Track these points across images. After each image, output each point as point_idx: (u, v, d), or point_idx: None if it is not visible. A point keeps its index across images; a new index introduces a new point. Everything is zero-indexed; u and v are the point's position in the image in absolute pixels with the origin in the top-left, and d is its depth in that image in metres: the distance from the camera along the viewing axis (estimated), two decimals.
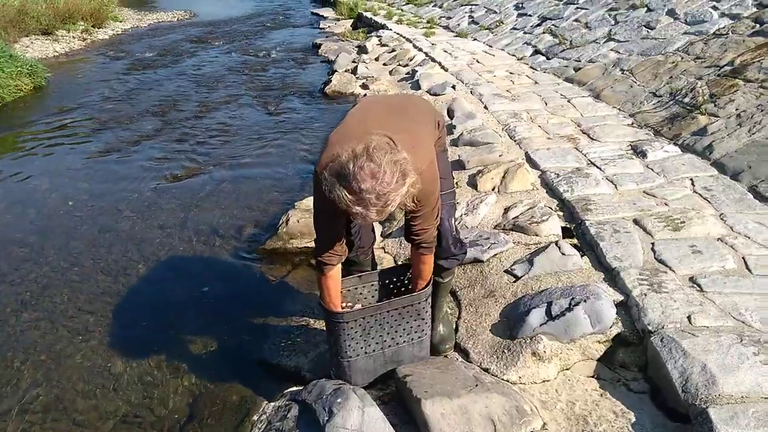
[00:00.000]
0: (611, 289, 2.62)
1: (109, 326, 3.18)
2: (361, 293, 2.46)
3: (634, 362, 2.36)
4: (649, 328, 2.33)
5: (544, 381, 2.34)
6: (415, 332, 2.38)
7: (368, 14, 13.09)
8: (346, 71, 8.40)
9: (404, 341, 2.39)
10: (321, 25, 14.34)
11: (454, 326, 2.74)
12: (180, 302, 3.36)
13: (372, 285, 2.48)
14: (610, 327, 2.44)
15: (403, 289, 2.50)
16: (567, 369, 2.39)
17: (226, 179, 5.08)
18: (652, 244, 2.93)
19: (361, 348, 2.32)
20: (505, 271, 2.98)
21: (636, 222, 3.16)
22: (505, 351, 2.47)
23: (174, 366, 2.85)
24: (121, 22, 16.64)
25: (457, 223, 2.62)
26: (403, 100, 2.59)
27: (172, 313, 3.27)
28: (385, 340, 2.35)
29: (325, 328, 2.42)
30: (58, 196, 4.91)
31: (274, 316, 3.14)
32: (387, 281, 2.49)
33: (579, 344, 2.43)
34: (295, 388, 2.46)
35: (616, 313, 2.47)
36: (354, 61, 8.96)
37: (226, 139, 6.18)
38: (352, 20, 13.97)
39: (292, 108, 7.32)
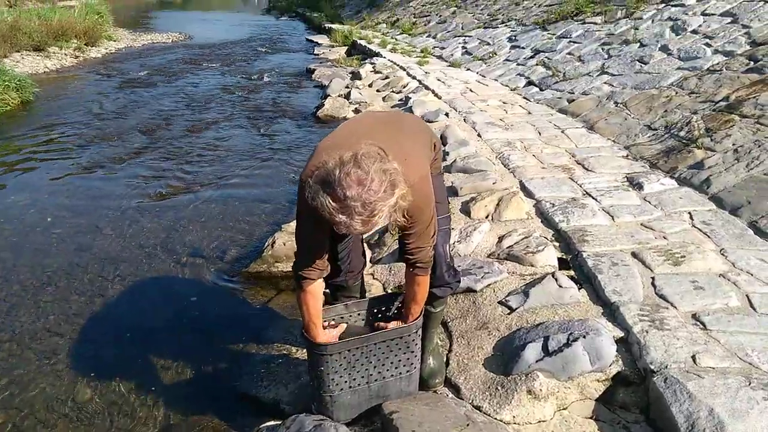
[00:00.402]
0: (610, 325, 2.49)
1: (79, 350, 3.00)
2: (346, 323, 2.31)
3: (635, 403, 2.22)
4: (652, 367, 2.20)
5: (539, 421, 2.19)
6: (404, 366, 2.24)
7: (363, 42, 13.16)
8: (339, 96, 8.36)
9: (392, 375, 2.24)
10: (315, 51, 14.40)
11: (444, 359, 2.59)
12: (156, 326, 3.19)
13: (359, 314, 2.34)
14: (610, 365, 2.30)
15: (391, 317, 2.36)
16: (564, 409, 2.24)
17: (212, 199, 4.94)
18: (652, 278, 2.82)
19: (345, 382, 2.17)
20: (499, 302, 2.85)
21: (634, 255, 3.06)
22: (499, 388, 2.32)
23: (145, 395, 2.66)
24: (115, 41, 16.63)
25: (451, 250, 2.49)
26: (399, 117, 2.50)
27: (146, 337, 3.10)
28: (371, 374, 2.20)
29: (307, 359, 2.27)
30: (37, 212, 4.74)
31: (254, 343, 2.97)
32: (375, 310, 2.35)
33: (577, 382, 2.29)
34: (272, 423, 2.30)
35: (616, 351, 2.34)
36: (347, 87, 8.93)
37: (214, 159, 6.05)
38: (346, 47, 14.04)
39: (283, 130, 7.22)
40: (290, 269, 3.48)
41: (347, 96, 8.23)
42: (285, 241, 3.66)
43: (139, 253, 4.01)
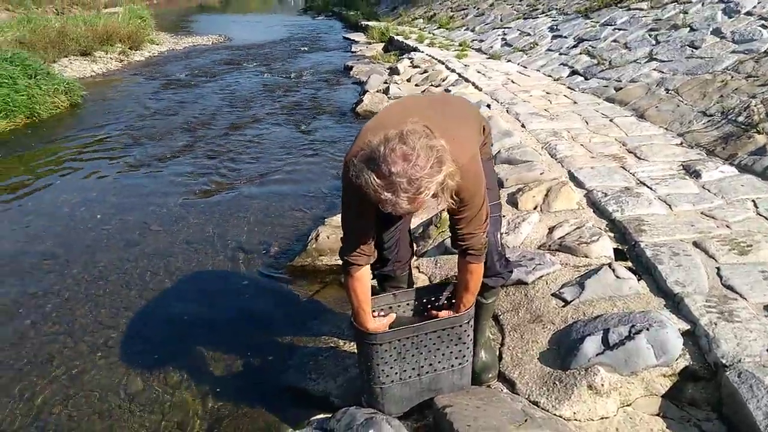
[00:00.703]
0: (674, 317, 2.36)
1: (130, 342, 3.03)
2: (395, 313, 2.25)
3: (705, 400, 2.09)
4: (723, 361, 2.06)
5: (602, 418, 2.08)
6: (456, 358, 2.16)
7: (400, 38, 13.08)
8: (377, 92, 8.31)
9: (443, 367, 2.17)
10: (353, 49, 14.39)
11: (497, 353, 2.50)
12: (202, 320, 3.20)
13: (407, 304, 2.27)
14: (677, 359, 2.17)
15: (441, 307, 2.28)
16: (628, 405, 2.12)
17: (255, 195, 4.97)
18: (717, 268, 2.66)
19: (396, 373, 2.11)
20: (552, 295, 2.74)
21: (696, 245, 2.90)
22: (557, 383, 2.22)
23: (195, 387, 2.67)
24: (157, 45, 17.00)
25: (502, 239, 2.40)
26: (445, 98, 2.43)
27: (194, 330, 3.11)
28: (422, 366, 2.13)
29: (356, 350, 2.22)
30: (86, 210, 4.84)
31: (301, 336, 2.95)
32: (424, 300, 2.27)
33: (641, 377, 2.17)
34: (322, 416, 2.26)
35: (683, 344, 2.21)
36: (386, 82, 8.88)
37: (256, 156, 6.09)
38: (383, 44, 13.98)
39: (323, 126, 7.23)
40: (335, 263, 3.49)
41: (386, 91, 8.17)
42: (329, 234, 3.63)
43: (186, 249, 4.05)
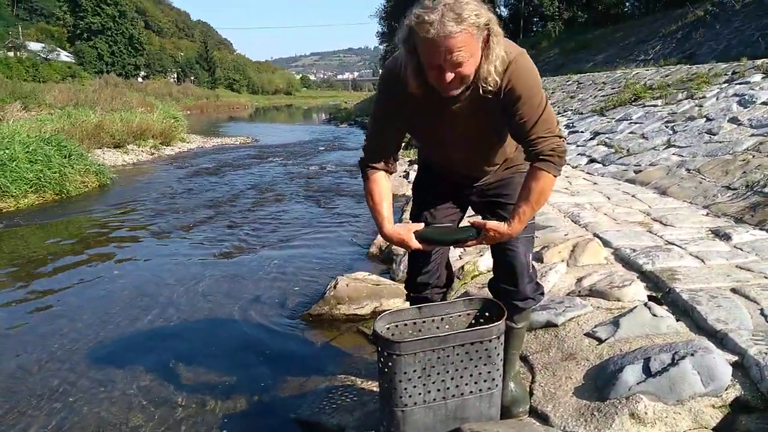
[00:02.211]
0: (719, 351, 2.18)
1: (140, 380, 2.87)
2: (420, 330, 2.11)
3: None
4: None
5: None
6: (484, 381, 1.99)
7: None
8: (399, 176, 8.49)
9: (471, 392, 1.99)
10: None
11: (527, 389, 2.31)
12: (215, 363, 3.04)
13: (432, 320, 2.14)
14: (726, 389, 1.98)
15: (469, 324, 2.14)
16: None
17: (274, 257, 4.93)
18: (761, 309, 2.50)
19: (419, 394, 1.94)
20: (585, 334, 2.57)
21: (735, 291, 2.75)
22: (595, 413, 2.02)
23: (208, 425, 2.47)
24: (188, 143, 17.81)
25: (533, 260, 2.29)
26: None
27: (206, 372, 2.95)
28: (448, 387, 1.96)
29: (377, 364, 2.05)
30: (103, 267, 4.84)
31: (316, 376, 2.77)
32: (451, 316, 2.14)
33: (688, 407, 1.96)
34: None
35: (731, 375, 2.02)
36: (406, 171, 9.09)
37: (276, 226, 6.13)
38: (404, 142, 14.49)
39: (344, 204, 7.32)
40: (353, 312, 3.37)
41: (406, 176, 8.35)
42: (348, 283, 3.53)
43: (200, 300, 3.96)
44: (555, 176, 1.79)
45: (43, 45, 60.06)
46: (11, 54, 51.86)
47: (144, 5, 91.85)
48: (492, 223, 1.83)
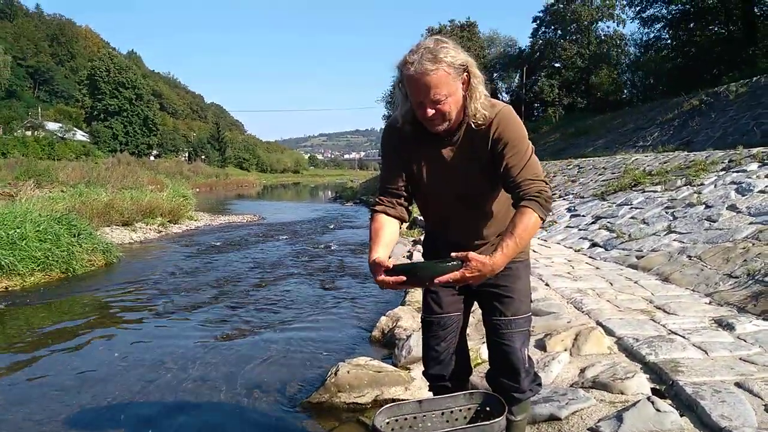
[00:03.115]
0: None
1: None
2: (420, 425, 2.09)
3: None
4: None
5: None
6: None
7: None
8: (402, 255, 8.54)
9: None
10: None
11: None
12: None
13: (433, 415, 2.12)
14: None
15: (471, 420, 2.12)
16: None
17: (274, 340, 4.90)
18: (765, 405, 2.47)
19: None
20: (588, 429, 2.53)
21: (739, 385, 2.72)
22: None
23: None
24: (195, 221, 18.04)
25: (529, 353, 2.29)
26: None
27: None
28: None
29: None
30: (105, 348, 4.81)
31: None
32: (451, 411, 2.12)
33: None
34: None
35: None
36: (409, 251, 9.15)
37: (279, 307, 6.12)
38: (408, 224, 14.67)
39: (346, 285, 7.32)
40: (353, 400, 3.33)
41: (410, 257, 8.40)
42: (349, 370, 3.50)
43: (200, 384, 3.90)
44: (540, 218, 1.80)
45: (61, 125, 62.36)
46: (29, 133, 53.74)
47: (161, 88, 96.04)
48: (473, 254, 1.74)
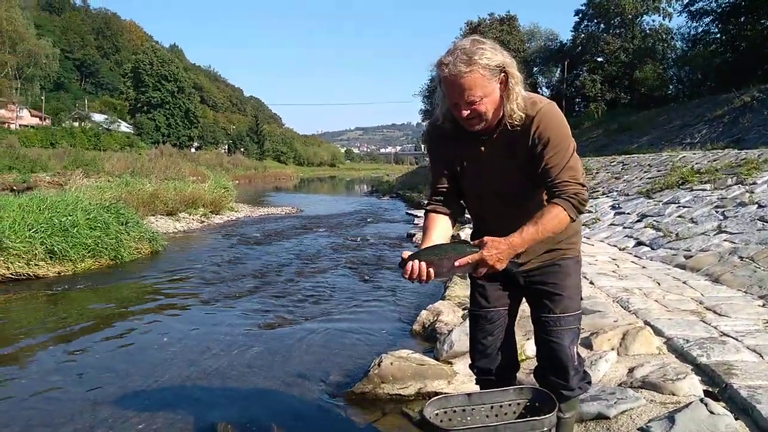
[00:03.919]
0: None
1: None
2: (469, 418, 2.09)
3: None
4: None
5: None
6: None
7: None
8: None
9: None
10: (415, 222, 15.05)
11: None
12: None
13: (482, 408, 2.12)
14: None
15: (518, 415, 2.11)
16: None
17: (317, 330, 4.98)
18: None
19: None
20: (639, 429, 2.49)
21: None
22: None
23: None
24: (236, 212, 18.39)
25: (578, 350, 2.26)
26: None
27: None
28: None
29: None
30: (153, 333, 4.96)
31: None
32: (501, 405, 2.12)
33: None
34: None
35: None
36: None
37: (320, 298, 6.22)
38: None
39: (385, 277, 7.36)
40: (396, 391, 3.35)
41: None
42: (392, 361, 3.52)
43: (245, 371, 4.00)
44: (570, 218, 1.84)
45: (106, 116, 64.32)
46: (76, 124, 55.59)
47: (201, 82, 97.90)
48: (489, 237, 1.83)
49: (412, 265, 1.86)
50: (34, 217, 7.83)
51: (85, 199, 9.77)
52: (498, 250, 1.82)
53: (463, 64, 1.76)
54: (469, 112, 1.83)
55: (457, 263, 1.85)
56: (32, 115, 57.11)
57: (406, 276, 1.88)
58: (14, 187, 17.67)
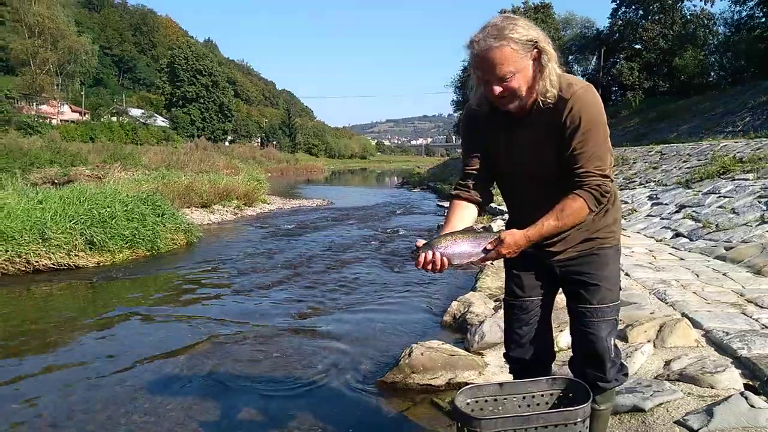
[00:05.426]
0: None
1: None
2: (501, 407, 2.07)
3: None
4: None
5: None
6: None
7: (493, 205, 13.54)
8: None
9: None
10: (446, 213, 14.97)
11: None
12: (292, 422, 3.09)
13: (514, 398, 2.09)
14: None
15: (551, 405, 2.08)
16: None
17: (348, 320, 5.03)
18: None
19: None
20: (675, 422, 2.43)
21: None
22: None
23: None
24: (268, 204, 18.61)
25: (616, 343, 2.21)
26: None
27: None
28: None
29: None
30: (188, 322, 5.07)
31: None
32: (533, 396, 2.09)
33: None
34: None
35: None
36: None
37: (351, 290, 6.25)
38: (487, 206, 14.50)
39: (415, 270, 7.30)
40: (427, 381, 3.35)
41: None
42: (422, 351, 3.52)
43: (278, 359, 4.07)
44: (590, 209, 1.84)
45: (143, 111, 65.76)
46: (114, 119, 57.00)
47: (235, 75, 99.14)
48: (507, 232, 1.87)
49: (425, 256, 1.85)
50: (75, 209, 8.06)
51: (123, 192, 10.02)
52: (517, 246, 1.86)
53: (494, 38, 1.74)
54: (501, 89, 1.80)
55: (473, 258, 1.88)
56: (72, 110, 58.79)
57: (419, 266, 1.87)
58: (55, 180, 18.21)
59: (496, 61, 1.76)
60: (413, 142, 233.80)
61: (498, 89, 1.80)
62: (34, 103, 50.28)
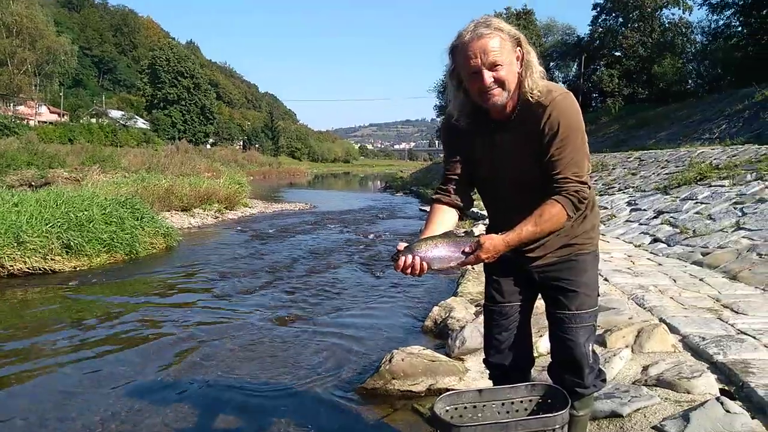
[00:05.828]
0: None
1: None
2: (480, 414, 2.07)
3: None
4: None
5: None
6: None
7: (475, 209, 13.59)
8: None
9: None
10: None
11: None
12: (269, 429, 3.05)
13: (493, 405, 2.09)
14: None
15: (531, 412, 2.08)
16: None
17: (329, 325, 5.00)
18: None
19: None
20: (653, 428, 2.45)
21: None
22: None
23: None
24: (249, 207, 18.45)
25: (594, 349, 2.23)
26: None
27: None
28: None
29: None
30: (168, 328, 4.99)
31: None
32: (512, 402, 2.09)
33: None
34: None
35: None
36: None
37: (332, 294, 6.22)
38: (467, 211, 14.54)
39: (397, 274, 7.28)
40: (407, 388, 3.34)
41: None
42: (403, 357, 3.51)
43: (256, 366, 4.02)
44: (568, 215, 1.86)
45: (123, 113, 64.92)
46: (94, 120, 56.20)
47: (217, 78, 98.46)
48: (485, 237, 1.87)
49: (405, 260, 1.86)
50: (51, 212, 7.92)
51: (102, 195, 9.88)
52: (496, 251, 1.86)
53: (485, 27, 1.79)
54: (492, 79, 1.81)
55: (452, 262, 1.88)
56: (51, 112, 57.87)
57: (399, 270, 1.87)
58: (32, 183, 17.91)
59: (488, 48, 1.78)
60: (396, 147, 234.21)
61: (489, 79, 1.80)
62: (11, 104, 49.37)
